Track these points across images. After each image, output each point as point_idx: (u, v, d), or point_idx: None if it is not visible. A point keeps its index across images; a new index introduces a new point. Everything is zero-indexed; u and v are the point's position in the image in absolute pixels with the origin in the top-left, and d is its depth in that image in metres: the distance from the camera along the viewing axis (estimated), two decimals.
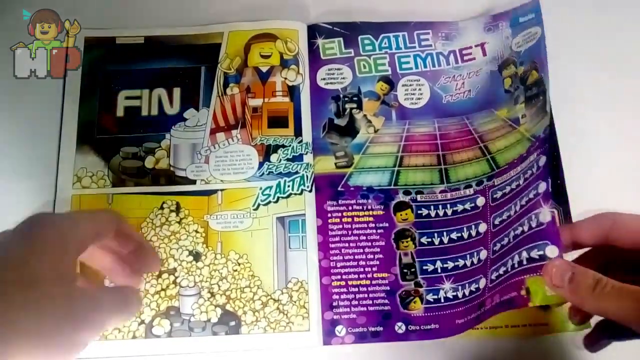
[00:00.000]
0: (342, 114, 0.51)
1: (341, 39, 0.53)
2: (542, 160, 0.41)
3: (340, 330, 0.44)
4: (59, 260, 0.25)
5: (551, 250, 0.36)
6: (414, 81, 0.52)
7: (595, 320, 0.40)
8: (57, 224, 0.28)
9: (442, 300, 0.44)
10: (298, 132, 0.50)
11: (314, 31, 0.53)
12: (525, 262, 0.38)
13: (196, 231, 0.47)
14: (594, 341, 0.39)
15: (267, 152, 0.49)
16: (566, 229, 0.37)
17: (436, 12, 0.55)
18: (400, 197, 0.48)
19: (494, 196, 0.46)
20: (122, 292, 0.36)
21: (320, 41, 0.53)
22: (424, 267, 0.45)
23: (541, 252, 0.36)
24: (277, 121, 0.50)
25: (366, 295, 0.45)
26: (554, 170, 0.49)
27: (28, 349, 0.22)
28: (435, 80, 0.52)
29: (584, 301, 0.30)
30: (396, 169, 0.49)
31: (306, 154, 0.49)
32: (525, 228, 0.39)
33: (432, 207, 0.47)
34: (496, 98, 0.51)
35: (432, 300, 0.44)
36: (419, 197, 0.48)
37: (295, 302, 0.45)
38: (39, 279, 0.24)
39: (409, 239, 0.46)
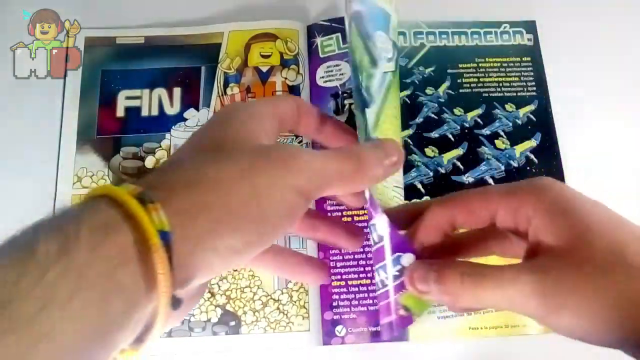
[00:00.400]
0: (341, 110, 0.51)
1: (339, 34, 0.53)
2: None
3: (340, 330, 0.44)
4: (237, 127, 0.24)
5: (407, 260, 0.29)
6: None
7: None
8: (235, 103, 0.26)
9: None
10: None
11: (312, 30, 0.53)
12: (387, 282, 0.30)
13: None
14: None
15: None
16: (409, 236, 0.30)
17: None
18: None
19: None
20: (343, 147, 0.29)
21: (319, 39, 0.53)
22: None
23: (399, 267, 0.29)
24: None
25: (366, 295, 0.45)
26: (554, 170, 0.49)
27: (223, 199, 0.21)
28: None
29: (458, 299, 0.25)
30: None
31: None
32: (372, 241, 0.31)
33: None
34: None
35: None
36: None
37: (295, 302, 0.45)
38: (219, 143, 0.24)
39: None
